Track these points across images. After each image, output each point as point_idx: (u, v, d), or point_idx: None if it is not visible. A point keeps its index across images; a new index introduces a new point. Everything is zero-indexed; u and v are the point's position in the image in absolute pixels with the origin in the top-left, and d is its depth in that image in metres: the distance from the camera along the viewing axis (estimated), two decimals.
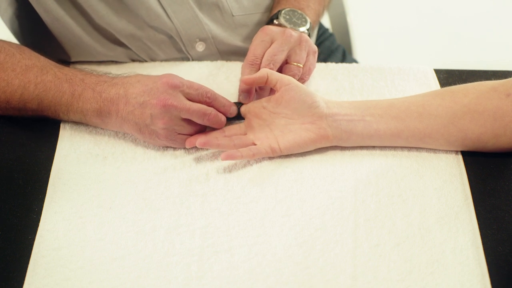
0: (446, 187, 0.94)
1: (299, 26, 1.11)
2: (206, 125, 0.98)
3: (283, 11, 1.12)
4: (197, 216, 0.90)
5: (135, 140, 1.00)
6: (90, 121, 0.99)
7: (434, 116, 0.95)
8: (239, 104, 1.01)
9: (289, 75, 1.00)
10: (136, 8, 1.09)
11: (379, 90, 1.11)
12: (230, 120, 1.01)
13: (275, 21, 1.12)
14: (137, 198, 0.92)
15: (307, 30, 1.11)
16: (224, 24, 1.19)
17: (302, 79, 1.07)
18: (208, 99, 0.97)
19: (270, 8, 1.23)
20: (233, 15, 1.19)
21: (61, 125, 1.02)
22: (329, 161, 0.98)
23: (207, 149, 0.99)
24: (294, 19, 1.12)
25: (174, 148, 0.99)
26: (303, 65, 1.06)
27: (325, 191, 0.93)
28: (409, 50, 2.39)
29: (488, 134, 0.94)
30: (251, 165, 0.97)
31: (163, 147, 0.99)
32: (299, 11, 1.13)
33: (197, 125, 0.97)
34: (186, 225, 0.89)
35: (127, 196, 0.93)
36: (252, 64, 1.04)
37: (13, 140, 1.00)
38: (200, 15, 1.14)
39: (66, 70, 0.99)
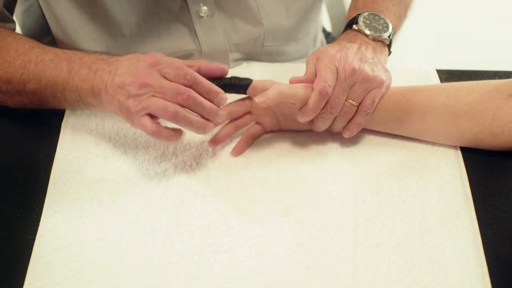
0: (447, 187, 0.94)
1: (380, 32, 1.03)
2: (183, 106, 0.89)
3: (362, 15, 1.04)
4: (197, 216, 0.90)
5: (136, 140, 1.00)
6: (86, 101, 0.96)
7: (435, 116, 0.95)
8: (249, 80, 0.96)
9: (343, 112, 0.95)
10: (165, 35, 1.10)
11: None
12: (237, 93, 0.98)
13: (354, 26, 1.03)
14: (137, 198, 0.92)
15: (388, 36, 1.03)
16: (250, 50, 1.18)
17: (364, 111, 0.96)
18: (187, 82, 0.89)
19: (299, 38, 1.22)
20: (263, 45, 1.18)
21: (62, 125, 1.03)
22: (329, 161, 0.98)
23: (207, 149, 0.99)
24: (375, 24, 1.03)
25: (175, 148, 0.99)
26: (362, 100, 0.95)
27: (325, 191, 0.93)
28: (410, 50, 2.38)
29: (485, 133, 0.94)
30: (252, 165, 0.97)
31: (163, 146, 0.99)
32: (380, 15, 1.05)
33: (168, 104, 0.88)
34: (186, 225, 0.89)
35: (127, 196, 0.93)
36: (322, 94, 0.92)
37: (13, 140, 1.00)
38: (231, 42, 1.14)
39: (67, 50, 0.98)
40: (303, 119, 0.94)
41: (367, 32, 1.02)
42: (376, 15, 1.05)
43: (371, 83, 0.95)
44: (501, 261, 0.84)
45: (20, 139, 1.00)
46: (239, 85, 0.95)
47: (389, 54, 1.06)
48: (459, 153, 0.98)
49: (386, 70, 0.98)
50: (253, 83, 0.96)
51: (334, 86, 0.93)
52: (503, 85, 0.95)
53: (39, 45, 0.99)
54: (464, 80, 1.11)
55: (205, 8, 1.08)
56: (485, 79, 0.99)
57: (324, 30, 1.52)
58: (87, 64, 0.94)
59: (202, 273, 0.83)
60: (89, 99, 0.95)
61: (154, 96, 0.88)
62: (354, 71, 0.93)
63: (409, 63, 1.18)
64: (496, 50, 2.45)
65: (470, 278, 0.82)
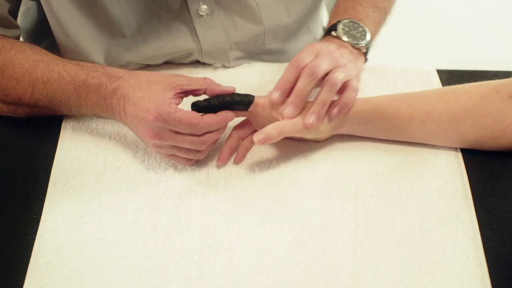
0: (447, 187, 0.94)
1: (358, 40, 1.05)
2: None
3: (342, 22, 1.06)
4: (197, 216, 0.90)
5: (136, 140, 1.00)
6: (102, 116, 0.98)
7: (436, 123, 0.95)
8: (251, 97, 0.96)
9: (329, 79, 0.92)
10: (166, 35, 1.10)
11: (381, 90, 1.11)
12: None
13: (333, 33, 1.06)
14: (137, 198, 0.92)
15: (366, 44, 1.06)
16: (251, 48, 1.18)
17: (352, 87, 0.95)
18: (200, 134, 0.91)
19: (299, 36, 1.23)
20: (264, 43, 1.18)
21: (62, 125, 1.03)
22: (329, 161, 0.98)
23: None
24: (353, 32, 1.06)
25: None
26: (346, 83, 0.95)
27: (325, 191, 0.93)
28: (410, 50, 2.38)
29: (487, 136, 0.94)
30: (252, 165, 0.97)
31: None
32: (359, 23, 1.07)
33: (189, 150, 0.93)
34: (186, 225, 0.89)
35: (128, 196, 0.93)
36: (295, 66, 0.95)
37: (13, 140, 1.00)
38: (231, 41, 1.14)
39: (69, 67, 0.97)
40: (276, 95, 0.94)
41: (345, 39, 1.05)
42: (355, 22, 1.07)
43: (352, 72, 0.97)
44: (501, 261, 0.84)
45: (20, 139, 1.00)
46: (241, 103, 0.95)
47: (365, 62, 1.09)
48: (459, 153, 0.98)
49: (359, 78, 1.02)
50: (255, 100, 0.95)
51: (316, 57, 0.95)
52: (503, 86, 0.95)
53: (42, 58, 0.98)
54: (465, 80, 1.11)
55: (204, 6, 1.08)
56: (485, 79, 0.99)
57: (324, 29, 1.52)
58: (93, 90, 0.94)
59: (202, 273, 0.83)
60: (105, 116, 0.97)
61: (173, 147, 0.92)
62: (332, 53, 0.96)
63: (409, 63, 1.18)
64: (496, 50, 2.45)
65: (470, 278, 0.82)
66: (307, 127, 0.93)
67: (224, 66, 1.17)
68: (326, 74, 0.94)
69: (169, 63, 1.16)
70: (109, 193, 0.93)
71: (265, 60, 1.20)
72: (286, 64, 1.16)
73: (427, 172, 0.96)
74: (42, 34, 1.17)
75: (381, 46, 1.21)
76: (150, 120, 0.88)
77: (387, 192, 0.93)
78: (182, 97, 0.93)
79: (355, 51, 1.05)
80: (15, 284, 0.82)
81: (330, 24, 1.09)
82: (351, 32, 1.06)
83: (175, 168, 0.96)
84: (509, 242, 0.86)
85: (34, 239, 0.87)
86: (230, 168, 0.97)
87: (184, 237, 0.88)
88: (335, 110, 0.94)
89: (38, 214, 0.90)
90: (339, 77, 0.93)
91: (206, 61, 1.15)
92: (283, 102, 0.95)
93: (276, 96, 0.94)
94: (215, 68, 1.16)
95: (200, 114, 0.92)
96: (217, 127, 0.93)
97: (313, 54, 0.96)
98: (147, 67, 1.15)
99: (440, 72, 1.14)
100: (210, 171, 0.96)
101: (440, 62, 1.25)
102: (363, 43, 1.05)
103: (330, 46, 0.99)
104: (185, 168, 0.96)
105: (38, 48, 1.00)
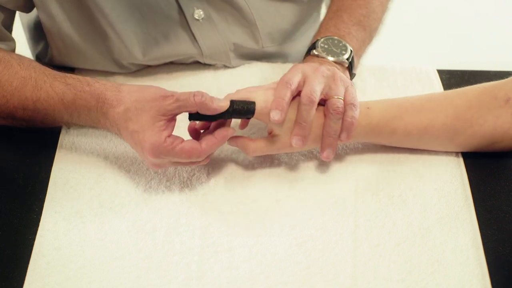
0: (447, 188, 0.94)
1: (339, 56, 1.03)
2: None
3: (320, 41, 1.05)
4: (197, 216, 0.90)
5: None
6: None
7: (435, 137, 0.95)
8: (252, 104, 0.93)
9: (333, 108, 0.92)
10: (163, 40, 1.09)
11: (381, 91, 1.11)
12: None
13: (313, 51, 1.04)
14: (137, 198, 0.92)
15: (347, 59, 1.03)
16: (251, 53, 1.18)
17: (352, 104, 0.94)
18: (202, 159, 0.91)
19: (297, 39, 1.23)
20: (263, 47, 1.18)
21: (63, 125, 1.02)
22: (329, 161, 0.98)
23: None
24: (333, 48, 1.04)
25: None
26: (344, 98, 0.94)
27: (325, 191, 0.93)
28: (410, 50, 2.38)
29: (486, 143, 0.95)
30: (252, 165, 0.97)
31: None
32: (338, 39, 1.05)
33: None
34: (186, 225, 0.89)
35: (127, 196, 0.93)
36: (286, 85, 0.93)
37: (14, 140, 1.00)
38: (230, 42, 1.14)
39: (56, 86, 0.94)
40: (275, 114, 0.91)
41: (324, 55, 1.03)
42: (334, 39, 1.05)
43: (344, 81, 0.95)
44: (501, 261, 0.84)
45: (20, 139, 1.00)
46: (242, 112, 0.92)
47: (352, 77, 1.06)
48: (459, 153, 0.98)
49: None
50: (256, 110, 0.92)
51: (306, 81, 0.93)
52: (500, 90, 0.94)
53: (30, 74, 0.96)
54: (465, 80, 1.11)
55: (199, 10, 1.08)
56: (485, 80, 0.99)
57: None
58: (84, 111, 0.93)
59: (202, 273, 0.83)
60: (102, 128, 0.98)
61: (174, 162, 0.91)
62: (318, 69, 0.94)
63: (409, 63, 1.18)
64: (497, 50, 2.45)
65: (470, 278, 0.82)
66: (325, 158, 0.93)
67: (225, 67, 1.17)
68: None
69: (169, 64, 1.16)
70: (109, 193, 0.93)
71: (264, 62, 1.20)
72: (286, 65, 1.17)
73: (427, 172, 0.96)
74: (43, 32, 1.18)
75: (381, 46, 1.21)
76: (148, 156, 0.88)
77: (387, 192, 0.93)
78: (174, 119, 0.90)
79: (338, 66, 1.03)
80: (15, 284, 0.82)
81: (311, 44, 1.07)
82: (330, 49, 1.04)
83: (175, 168, 0.96)
84: (509, 242, 0.86)
85: (34, 239, 0.87)
86: (230, 168, 0.97)
87: (184, 237, 0.88)
88: (343, 136, 0.93)
89: (38, 214, 0.90)
90: (339, 104, 0.92)
91: (207, 62, 1.15)
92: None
93: (278, 117, 0.90)
94: (216, 68, 1.16)
95: (196, 122, 0.93)
96: (217, 147, 0.92)
97: (300, 72, 0.94)
98: (147, 67, 1.15)
99: (441, 72, 1.14)
100: (210, 171, 0.96)
101: (440, 62, 1.25)
102: (343, 57, 1.03)
103: (313, 64, 0.98)
104: (185, 168, 0.96)
105: (26, 62, 0.99)
